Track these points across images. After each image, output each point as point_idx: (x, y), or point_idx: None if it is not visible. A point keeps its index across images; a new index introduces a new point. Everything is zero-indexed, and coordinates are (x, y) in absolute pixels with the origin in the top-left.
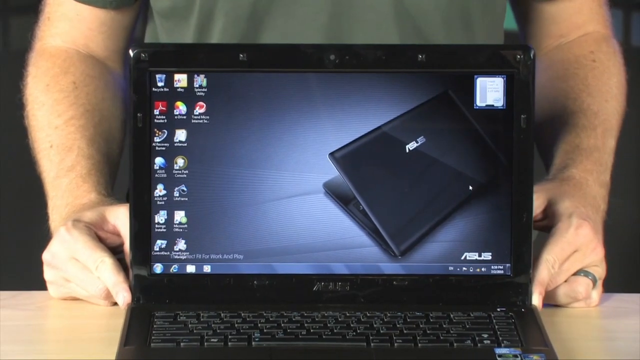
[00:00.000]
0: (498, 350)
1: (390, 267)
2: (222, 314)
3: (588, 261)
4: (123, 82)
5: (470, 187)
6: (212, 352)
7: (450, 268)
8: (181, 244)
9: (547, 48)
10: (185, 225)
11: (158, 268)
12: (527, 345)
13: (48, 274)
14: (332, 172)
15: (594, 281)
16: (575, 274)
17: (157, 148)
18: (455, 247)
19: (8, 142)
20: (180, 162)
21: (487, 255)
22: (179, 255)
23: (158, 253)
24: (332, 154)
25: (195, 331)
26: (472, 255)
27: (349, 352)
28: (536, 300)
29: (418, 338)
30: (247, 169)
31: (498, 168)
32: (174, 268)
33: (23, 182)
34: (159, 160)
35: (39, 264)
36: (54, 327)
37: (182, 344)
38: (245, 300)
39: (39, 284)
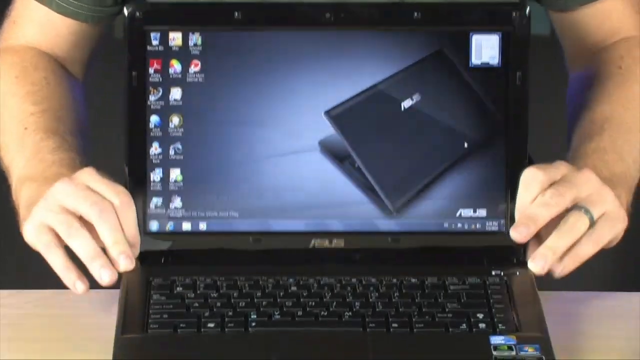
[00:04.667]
0: (493, 340)
1: (385, 223)
2: (218, 282)
3: (584, 195)
4: (82, 95)
5: (466, 144)
6: (209, 338)
7: (445, 225)
8: (177, 202)
9: (585, 60)
10: (181, 183)
11: (154, 226)
12: (522, 328)
13: (39, 226)
14: (327, 130)
15: (590, 219)
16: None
17: (152, 107)
18: (450, 204)
19: None
20: (175, 120)
21: (482, 212)
22: (174, 213)
23: (154, 211)
24: (327, 112)
25: (192, 310)
26: (467, 212)
27: (344, 341)
28: (516, 235)
29: (414, 320)
30: (242, 126)
31: (493, 125)
32: (169, 226)
33: None
34: (154, 119)
35: (37, 263)
36: (53, 326)
37: (179, 330)
38: (240, 260)
39: (38, 283)
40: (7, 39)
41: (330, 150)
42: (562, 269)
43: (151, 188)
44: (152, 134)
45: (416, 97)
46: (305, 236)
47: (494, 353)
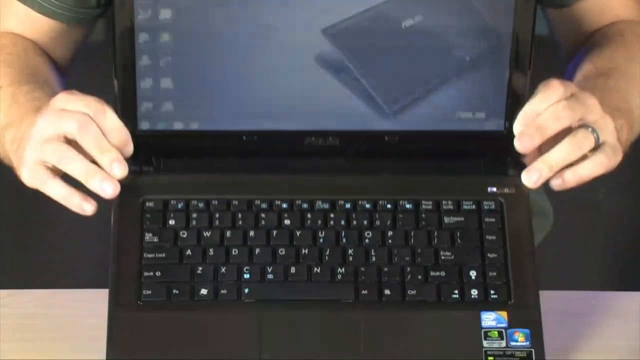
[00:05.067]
0: (484, 322)
1: (382, 123)
2: (211, 205)
3: (591, 118)
4: (63, 82)
5: (468, 58)
6: (204, 304)
7: (443, 126)
8: (168, 105)
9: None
10: (173, 91)
11: (145, 125)
12: (514, 294)
13: (46, 128)
14: (325, 47)
15: (596, 140)
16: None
17: (141, 23)
18: (449, 107)
19: None
20: (165, 37)
21: (480, 115)
22: (165, 115)
23: (144, 114)
24: (325, 29)
25: (184, 262)
26: (466, 114)
27: (337, 316)
28: (520, 145)
29: (406, 279)
30: (235, 39)
31: (496, 39)
32: (160, 125)
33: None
34: (143, 36)
35: (37, 263)
36: (52, 326)
37: (172, 298)
38: (233, 165)
39: (37, 282)
40: None
41: (327, 64)
42: (562, 183)
43: (141, 95)
44: (141, 47)
45: (417, 18)
46: (299, 135)
47: (484, 344)
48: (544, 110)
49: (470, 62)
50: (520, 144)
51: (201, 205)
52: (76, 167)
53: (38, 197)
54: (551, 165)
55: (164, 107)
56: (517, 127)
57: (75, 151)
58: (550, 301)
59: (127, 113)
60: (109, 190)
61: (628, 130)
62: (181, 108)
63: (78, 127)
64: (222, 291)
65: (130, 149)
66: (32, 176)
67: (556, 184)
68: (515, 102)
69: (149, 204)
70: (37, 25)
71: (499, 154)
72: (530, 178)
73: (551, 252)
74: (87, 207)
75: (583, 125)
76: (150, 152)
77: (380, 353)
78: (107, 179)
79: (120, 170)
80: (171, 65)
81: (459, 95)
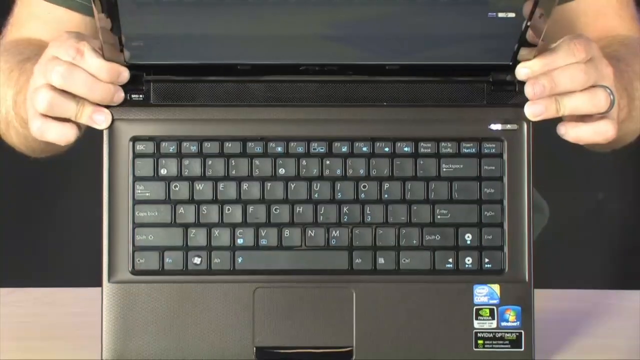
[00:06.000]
0: (476, 297)
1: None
2: (204, 148)
3: (607, 81)
4: None
5: None
6: (198, 275)
7: (448, 58)
8: (157, 39)
9: None
10: (160, 21)
11: (133, 58)
12: (509, 262)
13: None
14: None
15: (612, 103)
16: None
17: None
18: (455, 37)
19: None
20: None
21: (488, 46)
22: (154, 48)
23: (131, 46)
24: None
25: (178, 221)
26: (474, 46)
27: (331, 286)
28: (529, 90)
29: (401, 244)
30: None
31: None
32: (148, 58)
33: (22, 177)
34: None
35: (37, 261)
36: (53, 324)
37: (166, 267)
38: (226, 93)
39: (37, 281)
40: (9, 37)
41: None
42: (563, 132)
43: (126, 27)
44: None
45: None
46: (296, 65)
47: (475, 324)
48: (561, 66)
49: None
50: (531, 89)
51: (193, 148)
52: (65, 109)
53: (37, 193)
54: (559, 107)
55: (151, 40)
56: (524, 71)
57: (63, 95)
58: (549, 300)
59: (112, 47)
60: (101, 120)
61: (626, 114)
62: (171, 40)
63: (60, 76)
64: (216, 260)
65: (123, 78)
66: (41, 130)
67: (562, 131)
68: (526, 42)
69: (140, 147)
70: (56, 23)
71: (502, 86)
72: (534, 109)
73: (550, 250)
74: (98, 118)
75: (603, 86)
76: (139, 81)
77: (370, 326)
78: (97, 110)
79: (100, 116)
80: None
81: (468, 24)
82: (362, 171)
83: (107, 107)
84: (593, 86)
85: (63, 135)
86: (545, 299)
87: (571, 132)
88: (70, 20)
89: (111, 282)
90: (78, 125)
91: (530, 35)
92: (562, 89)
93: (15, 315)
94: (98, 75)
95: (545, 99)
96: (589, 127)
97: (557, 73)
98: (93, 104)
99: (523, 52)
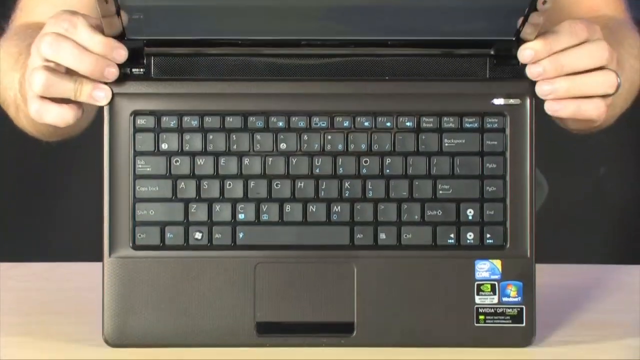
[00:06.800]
0: (477, 272)
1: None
2: (205, 122)
3: (613, 64)
4: None
5: None
6: (199, 249)
7: (450, 33)
8: (158, 13)
9: None
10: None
11: (133, 34)
12: (510, 237)
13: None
14: None
15: (618, 87)
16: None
17: None
18: (458, 13)
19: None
20: None
21: (492, 23)
22: (154, 24)
23: (131, 21)
24: None
25: (178, 196)
26: (477, 21)
27: (332, 261)
28: (533, 72)
29: (402, 219)
30: None
31: None
32: (149, 33)
33: (22, 153)
34: None
35: (39, 236)
36: (53, 299)
37: (167, 242)
38: (227, 67)
39: (39, 256)
40: (18, 21)
41: None
42: (561, 108)
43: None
44: None
45: None
46: (298, 40)
47: (477, 299)
48: (566, 48)
49: None
50: (535, 71)
51: (194, 123)
52: (63, 89)
53: (38, 165)
54: (568, 88)
55: (151, 14)
56: (528, 52)
57: (59, 75)
58: (549, 275)
59: (111, 22)
60: (100, 96)
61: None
62: (172, 14)
63: (48, 46)
64: (217, 235)
65: (119, 55)
66: (39, 112)
67: (552, 108)
68: (533, 14)
69: (140, 121)
70: (67, 4)
71: (505, 60)
72: (544, 89)
73: (550, 225)
74: (98, 94)
75: (609, 69)
76: (140, 54)
77: (371, 302)
78: (97, 87)
79: (100, 93)
80: None
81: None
82: (363, 146)
83: (107, 84)
84: (601, 68)
85: (61, 117)
86: (547, 274)
87: (570, 106)
88: (80, 2)
89: (112, 257)
90: (78, 106)
91: (534, 12)
92: (567, 70)
93: (16, 290)
94: (90, 47)
95: (554, 82)
96: (589, 102)
97: (563, 56)
98: (92, 81)
99: (527, 29)
